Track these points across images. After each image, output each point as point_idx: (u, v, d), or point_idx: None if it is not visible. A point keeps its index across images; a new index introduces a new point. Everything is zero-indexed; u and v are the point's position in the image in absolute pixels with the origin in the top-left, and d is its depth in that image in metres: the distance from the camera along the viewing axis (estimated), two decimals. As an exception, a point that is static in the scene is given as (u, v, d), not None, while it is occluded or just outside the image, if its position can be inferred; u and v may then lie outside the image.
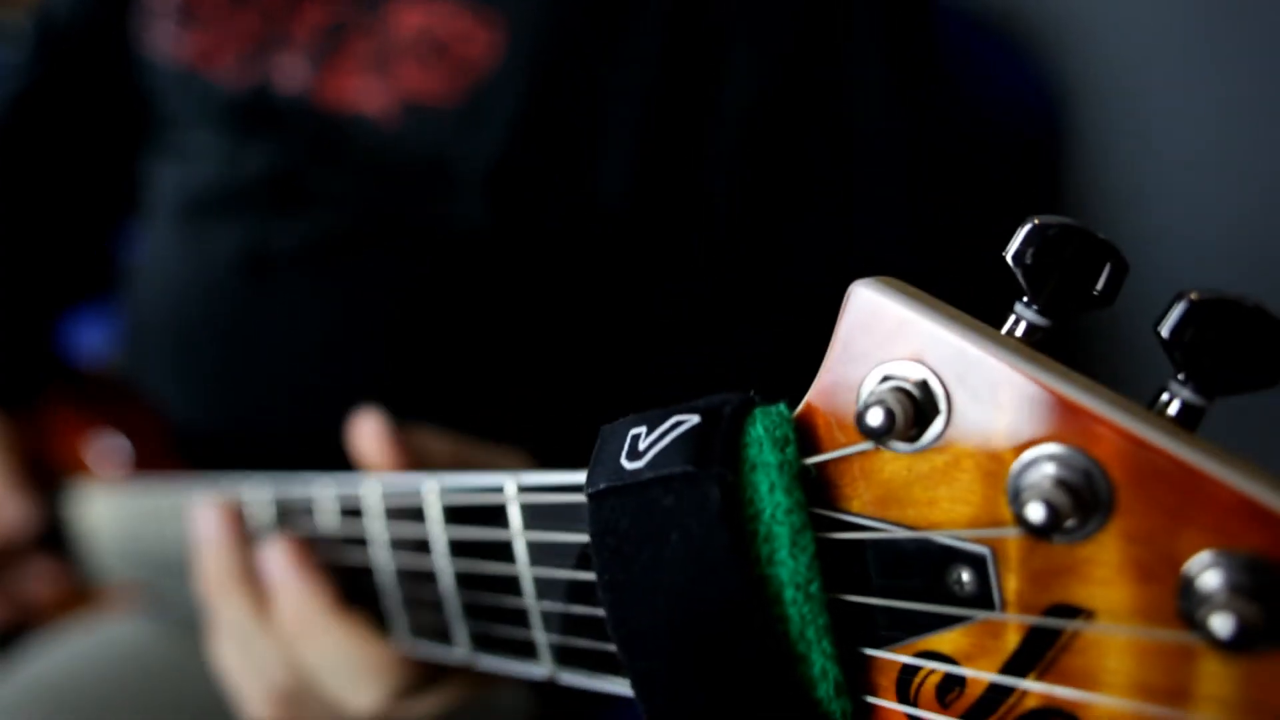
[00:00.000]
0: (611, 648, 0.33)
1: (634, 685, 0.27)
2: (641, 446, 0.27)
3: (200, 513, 0.53)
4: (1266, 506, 0.21)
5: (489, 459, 0.53)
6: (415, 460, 0.49)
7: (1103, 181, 1.01)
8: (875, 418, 0.24)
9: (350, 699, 0.46)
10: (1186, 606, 0.22)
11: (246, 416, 0.78)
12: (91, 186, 0.95)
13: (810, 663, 0.25)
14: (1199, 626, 0.21)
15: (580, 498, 0.33)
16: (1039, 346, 0.25)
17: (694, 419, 0.26)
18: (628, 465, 0.27)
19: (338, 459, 0.55)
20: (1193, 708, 0.22)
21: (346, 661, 0.46)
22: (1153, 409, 0.24)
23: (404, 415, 0.75)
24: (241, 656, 0.51)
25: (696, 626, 0.25)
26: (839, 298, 0.26)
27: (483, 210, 0.70)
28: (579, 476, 0.33)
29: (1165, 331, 0.23)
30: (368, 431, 0.48)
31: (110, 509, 0.80)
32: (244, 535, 0.52)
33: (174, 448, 0.84)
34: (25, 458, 0.83)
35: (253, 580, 0.50)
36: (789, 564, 0.25)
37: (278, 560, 0.48)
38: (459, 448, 0.52)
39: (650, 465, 0.26)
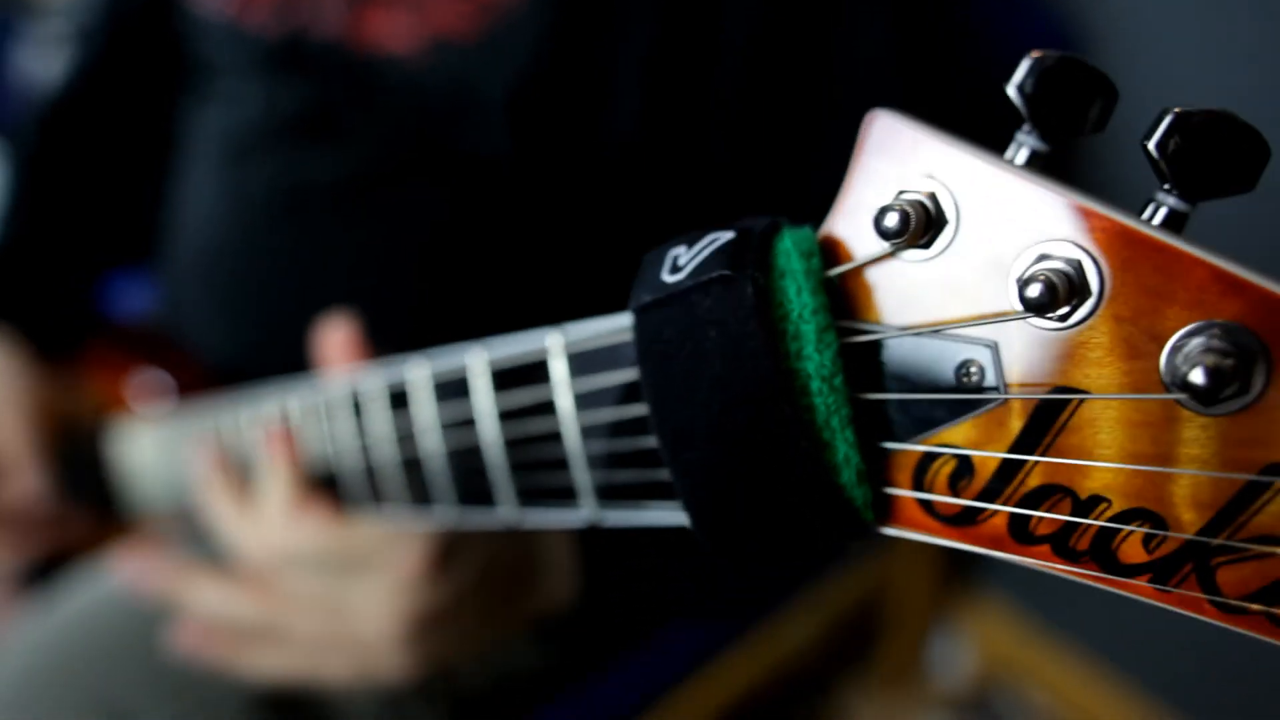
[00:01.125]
0: (653, 476, 0.36)
1: (675, 475, 0.30)
2: (681, 262, 0.30)
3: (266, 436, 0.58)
4: (1240, 277, 0.24)
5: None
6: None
7: (1119, 135, 1.03)
8: (891, 220, 0.27)
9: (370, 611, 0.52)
10: (1169, 372, 0.24)
11: (286, 350, 0.81)
12: (144, 143, 0.99)
13: (834, 449, 0.28)
14: (1180, 385, 0.24)
15: (619, 338, 0.36)
16: (1039, 171, 0.28)
17: (729, 234, 0.29)
18: (669, 279, 0.30)
19: None
20: (1176, 469, 0.25)
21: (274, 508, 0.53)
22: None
23: (434, 340, 0.79)
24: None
25: (733, 414, 0.28)
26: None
27: (504, 137, 0.73)
28: (617, 321, 0.35)
29: (1152, 144, 0.26)
30: (338, 339, 0.53)
31: (152, 443, 0.83)
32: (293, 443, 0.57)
33: (214, 384, 0.87)
34: (55, 422, 0.86)
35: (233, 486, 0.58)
36: (815, 358, 0.28)
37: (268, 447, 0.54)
38: None
39: (690, 275, 0.29)
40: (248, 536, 0.57)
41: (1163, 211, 0.26)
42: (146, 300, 1.11)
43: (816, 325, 0.28)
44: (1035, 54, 0.28)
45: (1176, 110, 0.26)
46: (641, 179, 0.77)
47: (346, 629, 0.56)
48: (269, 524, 0.55)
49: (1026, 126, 0.28)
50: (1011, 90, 0.28)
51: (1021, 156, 0.28)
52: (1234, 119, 0.25)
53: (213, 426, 0.72)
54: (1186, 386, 0.23)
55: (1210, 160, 0.25)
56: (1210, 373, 0.23)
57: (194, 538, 0.81)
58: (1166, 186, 0.26)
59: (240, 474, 0.60)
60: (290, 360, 0.83)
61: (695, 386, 0.29)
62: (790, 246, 0.29)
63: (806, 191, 0.75)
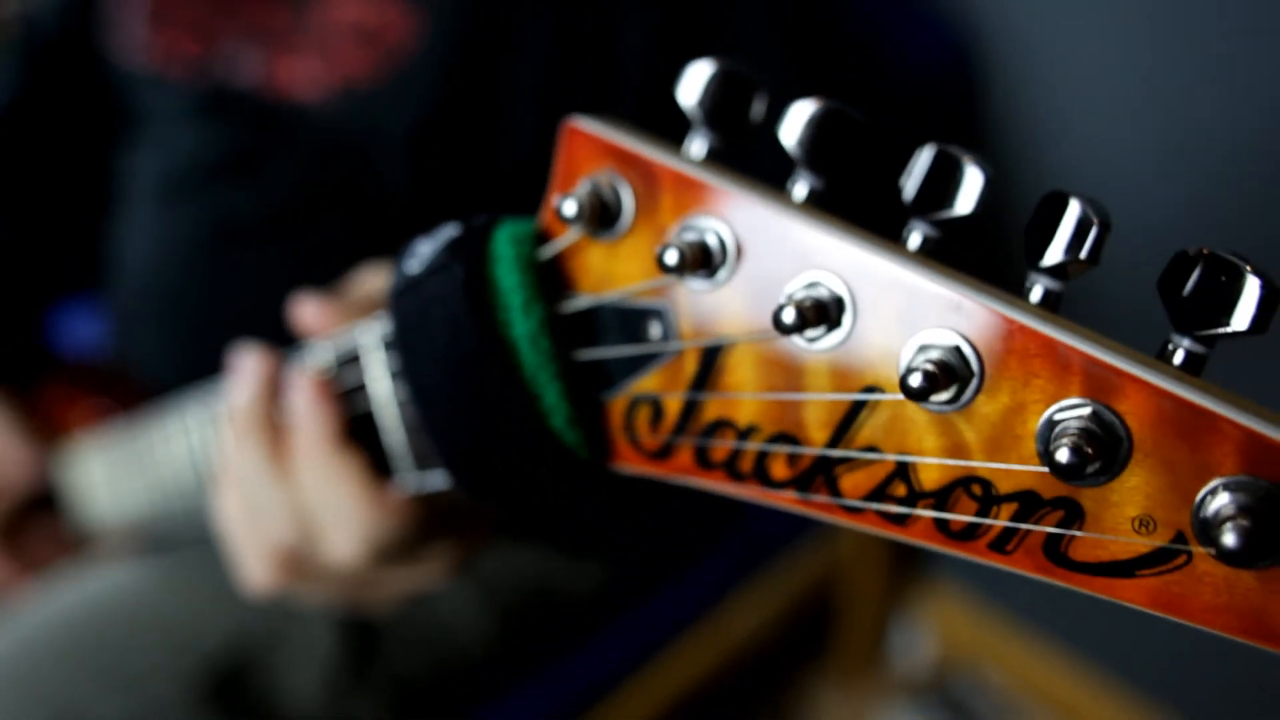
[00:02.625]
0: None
1: (431, 432, 0.36)
2: (419, 252, 0.36)
3: (246, 357, 0.54)
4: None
5: None
6: (369, 308, 0.51)
7: (1013, 137, 1.09)
8: (570, 208, 0.32)
9: (340, 546, 0.48)
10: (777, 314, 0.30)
11: (218, 373, 0.88)
12: (76, 184, 1.06)
13: (543, 399, 0.34)
14: (781, 326, 0.29)
15: None
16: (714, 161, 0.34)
17: (455, 228, 0.36)
18: (410, 270, 0.36)
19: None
20: (803, 398, 0.30)
21: (344, 497, 0.46)
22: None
23: None
24: (246, 510, 0.53)
25: (458, 374, 0.34)
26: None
27: (405, 172, 0.80)
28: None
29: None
30: (310, 311, 0.53)
31: (100, 461, 0.89)
32: (278, 383, 0.53)
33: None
34: (28, 416, 0.92)
35: (272, 428, 0.51)
36: (520, 324, 0.34)
37: (299, 391, 0.49)
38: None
39: (421, 263, 0.35)
40: (275, 494, 0.51)
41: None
42: (96, 333, 1.17)
43: (522, 298, 0.34)
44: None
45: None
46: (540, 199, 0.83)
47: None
48: (304, 473, 0.49)
49: (702, 131, 0.33)
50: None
51: (698, 149, 0.34)
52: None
53: (160, 434, 0.78)
54: (781, 325, 0.29)
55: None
56: (798, 310, 0.28)
57: (149, 551, 0.87)
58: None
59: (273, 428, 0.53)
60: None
61: (431, 355, 0.35)
62: (506, 236, 0.35)
63: None
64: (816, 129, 0.31)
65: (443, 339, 0.34)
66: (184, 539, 0.79)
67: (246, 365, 0.54)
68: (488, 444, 0.35)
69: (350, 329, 0.47)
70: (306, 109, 0.85)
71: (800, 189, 0.32)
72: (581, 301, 0.34)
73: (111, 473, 0.87)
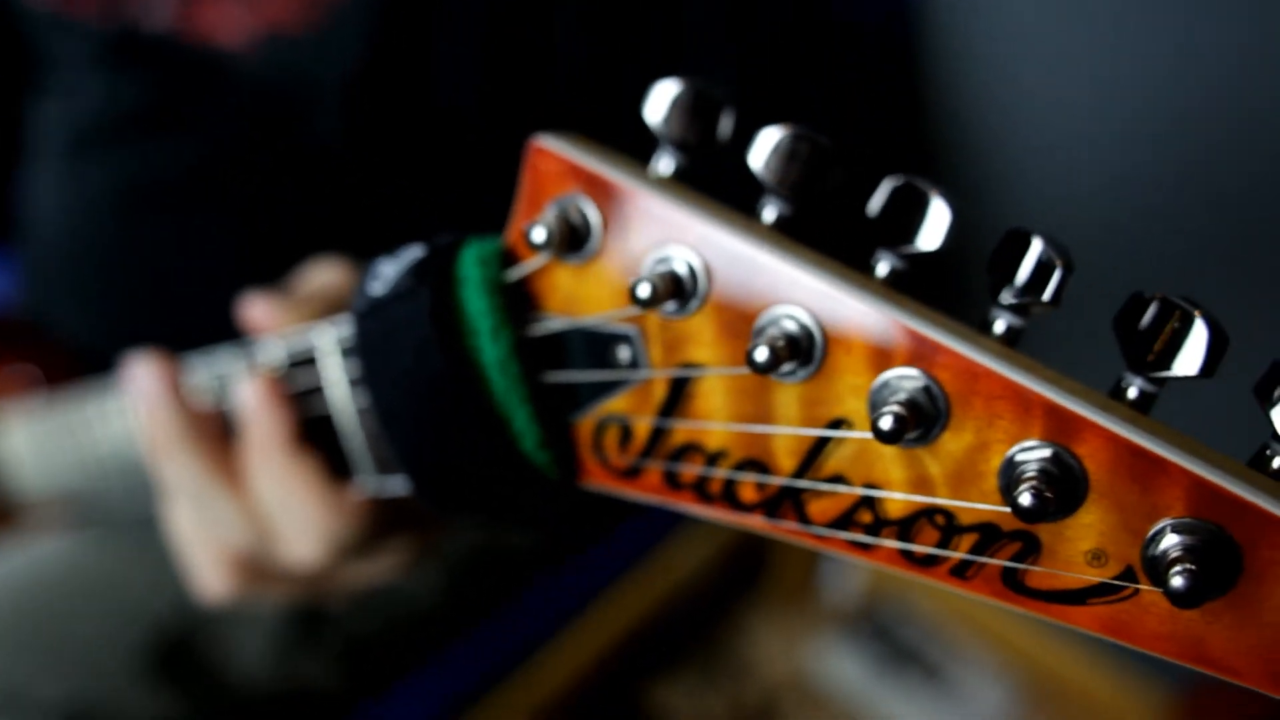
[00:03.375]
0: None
1: (394, 450, 0.36)
2: (384, 273, 0.35)
3: (138, 371, 0.52)
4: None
5: None
6: (321, 306, 0.50)
7: (956, 98, 1.09)
8: (539, 235, 0.32)
9: (299, 548, 0.46)
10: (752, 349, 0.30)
11: (141, 338, 0.85)
12: None
13: (513, 422, 0.34)
14: (754, 365, 0.29)
15: None
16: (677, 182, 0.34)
17: (420, 249, 0.35)
18: (373, 291, 0.35)
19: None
20: (774, 428, 0.31)
21: (301, 502, 0.45)
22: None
23: None
24: (196, 519, 0.51)
25: (425, 399, 0.34)
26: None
27: (338, 124, 0.77)
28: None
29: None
30: (259, 309, 0.50)
31: (26, 432, 0.87)
32: (183, 391, 0.51)
33: (77, 371, 0.90)
34: None
35: (201, 435, 0.49)
36: (489, 349, 0.34)
37: (250, 392, 0.46)
38: (353, 274, 0.53)
39: (387, 286, 0.35)
40: (227, 502, 0.49)
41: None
42: (7, 287, 1.12)
43: (491, 323, 0.34)
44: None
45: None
46: (480, 154, 0.81)
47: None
48: (259, 478, 0.47)
49: (669, 148, 0.33)
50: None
51: (665, 167, 0.34)
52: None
53: (97, 412, 0.76)
54: (754, 364, 0.29)
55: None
56: (771, 349, 0.29)
57: (82, 525, 0.85)
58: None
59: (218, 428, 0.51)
60: (142, 343, 0.87)
61: (397, 379, 0.35)
62: (472, 258, 0.34)
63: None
64: (784, 156, 0.31)
65: (409, 363, 0.34)
66: (124, 515, 0.77)
67: (143, 376, 0.52)
68: (456, 465, 0.35)
69: (304, 329, 0.46)
70: (230, 56, 0.81)
71: (769, 213, 0.32)
72: (550, 324, 0.34)
73: (39, 445, 0.85)
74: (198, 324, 0.84)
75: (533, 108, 0.81)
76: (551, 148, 0.33)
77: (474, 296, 0.34)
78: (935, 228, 0.29)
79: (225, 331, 0.72)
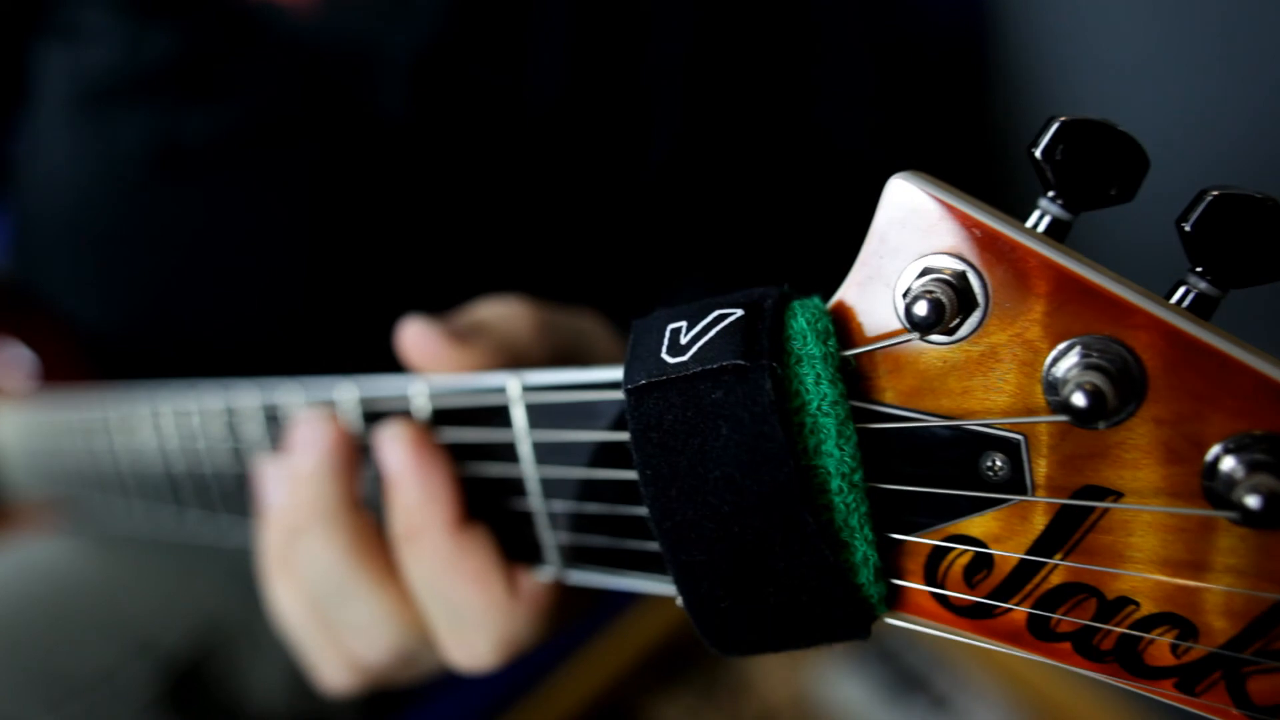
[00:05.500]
0: (624, 545, 0.33)
1: (678, 577, 0.28)
2: (684, 340, 0.27)
3: (309, 421, 0.42)
4: (1290, 388, 0.22)
5: (571, 323, 0.44)
6: (491, 350, 0.40)
7: (1033, 68, 1.03)
8: (922, 309, 0.24)
9: (467, 652, 0.38)
10: (1211, 485, 0.23)
11: (160, 322, 0.74)
12: None
13: (853, 549, 0.26)
14: (1227, 503, 0.22)
15: (584, 396, 0.33)
16: (1061, 240, 0.26)
17: (737, 312, 0.26)
18: (670, 360, 0.27)
19: (256, 363, 0.52)
20: (1210, 578, 0.24)
21: (471, 596, 0.36)
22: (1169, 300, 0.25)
23: (321, 318, 0.73)
24: (318, 615, 0.41)
25: (745, 517, 0.26)
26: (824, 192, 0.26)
27: (405, 101, 0.67)
28: (584, 375, 0.33)
29: (1188, 225, 0.24)
30: (424, 340, 0.39)
31: (22, 425, 0.76)
32: (352, 458, 0.41)
33: (83, 357, 0.80)
34: None
35: (358, 514, 0.39)
36: (835, 455, 0.26)
37: (399, 450, 0.37)
38: (539, 316, 0.42)
39: (696, 359, 0.26)
40: (375, 602, 0.39)
41: (1192, 295, 0.25)
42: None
43: (836, 418, 0.26)
44: (1062, 118, 0.25)
45: (1214, 194, 0.24)
46: (558, 158, 0.72)
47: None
48: (415, 566, 0.38)
49: (1051, 194, 0.26)
50: (1038, 155, 0.25)
51: (1044, 224, 0.26)
52: (1275, 207, 0.24)
53: (100, 419, 0.66)
54: (1239, 509, 0.22)
55: (1247, 248, 0.24)
56: (1267, 497, 0.21)
57: (85, 521, 0.75)
58: (1199, 270, 0.25)
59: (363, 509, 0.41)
60: (171, 336, 0.76)
61: (702, 486, 0.26)
62: (805, 326, 0.26)
63: (767, 167, 0.71)
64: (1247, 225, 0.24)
65: (729, 468, 0.25)
66: (132, 531, 0.68)
67: (313, 428, 0.41)
68: (766, 600, 0.27)
69: (475, 378, 0.37)
70: (281, 11, 0.71)
71: (1194, 296, 0.25)
72: (898, 419, 0.26)
73: (35, 444, 0.75)
74: (219, 314, 0.74)
75: (625, 121, 0.73)
76: (920, 189, 0.25)
77: (815, 381, 0.26)
78: None
79: (248, 324, 0.62)
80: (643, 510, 0.32)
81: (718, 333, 0.26)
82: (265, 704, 0.75)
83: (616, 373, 0.30)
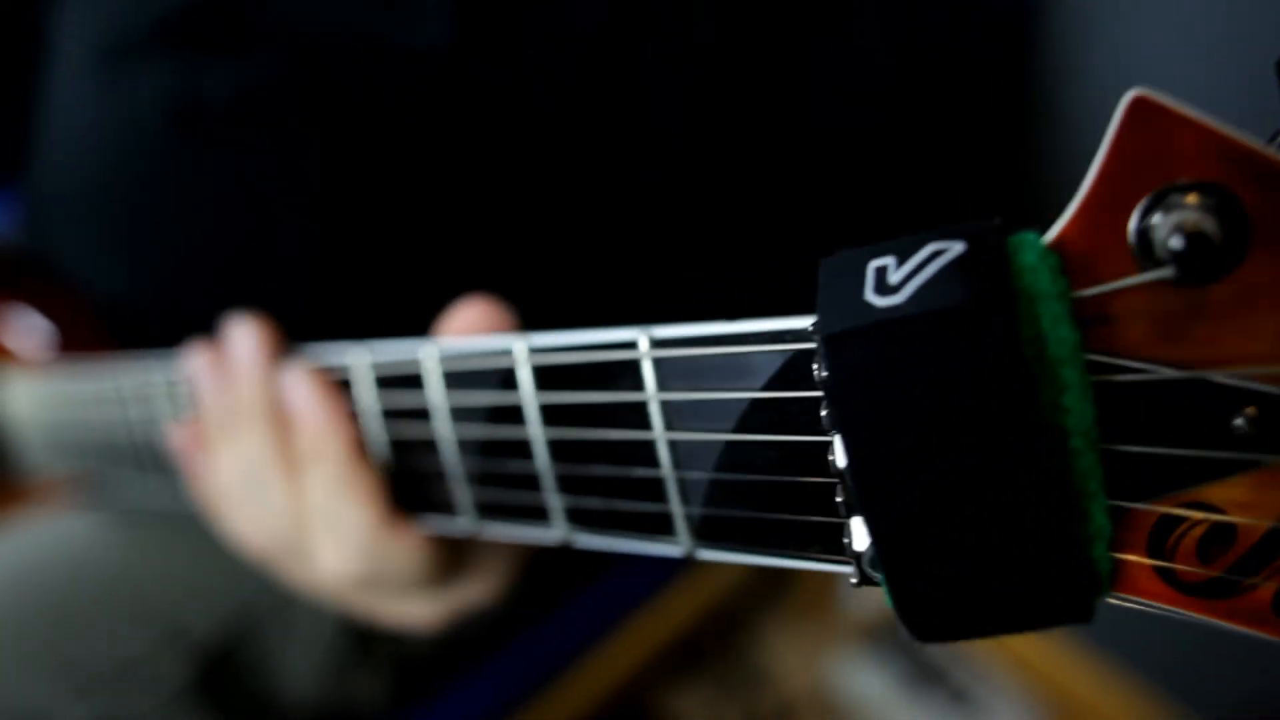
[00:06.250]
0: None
1: (883, 554, 0.25)
2: (893, 280, 0.23)
3: (237, 333, 0.49)
4: None
5: None
6: None
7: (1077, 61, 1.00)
8: (1176, 243, 0.21)
9: (326, 557, 0.45)
10: None
11: (180, 287, 0.70)
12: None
13: (1090, 519, 0.23)
14: None
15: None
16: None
17: (957, 245, 0.23)
18: (878, 302, 0.23)
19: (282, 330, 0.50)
20: None
21: (346, 514, 0.43)
22: None
23: (347, 286, 0.69)
24: (243, 490, 0.48)
25: (971, 483, 0.23)
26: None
27: (447, 28, 0.62)
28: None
29: None
30: (471, 317, 0.42)
31: (39, 397, 0.73)
32: (280, 365, 0.47)
33: (100, 327, 0.76)
34: None
35: (279, 417, 0.46)
36: (1075, 410, 0.22)
37: (302, 388, 0.45)
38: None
39: (914, 299, 0.23)
40: (278, 488, 0.47)
41: None
42: (5, 222, 0.97)
43: (1078, 369, 0.22)
44: None
45: None
46: (607, 88, 0.67)
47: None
48: (311, 475, 0.45)
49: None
50: None
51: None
52: None
53: (112, 387, 0.63)
54: None
55: None
56: None
57: (106, 495, 0.71)
58: None
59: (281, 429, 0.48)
60: (192, 305, 0.72)
61: (918, 448, 0.23)
62: (1035, 261, 0.23)
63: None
64: None
65: (958, 428, 0.22)
66: (149, 506, 0.64)
67: (243, 338, 0.48)
68: (985, 578, 0.23)
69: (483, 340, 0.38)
70: None
71: None
72: (1136, 370, 0.23)
73: (53, 417, 0.71)
74: (243, 278, 0.70)
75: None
76: (1175, 107, 0.22)
77: (1052, 324, 0.22)
78: None
79: (271, 290, 0.61)
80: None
81: (938, 271, 0.23)
82: (297, 691, 0.72)
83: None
